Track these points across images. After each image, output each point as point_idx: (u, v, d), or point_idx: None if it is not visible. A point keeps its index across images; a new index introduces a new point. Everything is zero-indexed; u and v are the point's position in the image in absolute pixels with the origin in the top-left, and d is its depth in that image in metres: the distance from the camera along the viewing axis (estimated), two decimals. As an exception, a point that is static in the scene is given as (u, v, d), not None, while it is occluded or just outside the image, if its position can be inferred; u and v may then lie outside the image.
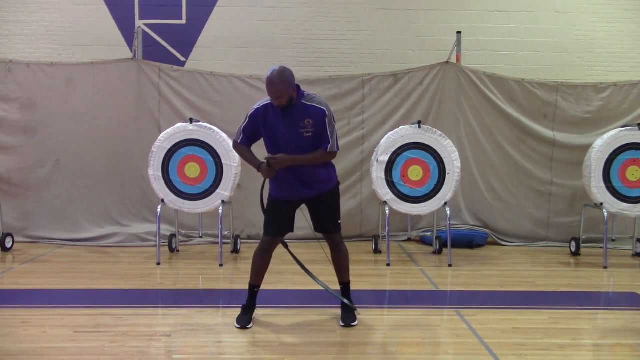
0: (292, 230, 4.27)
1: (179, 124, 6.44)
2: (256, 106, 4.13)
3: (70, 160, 7.17)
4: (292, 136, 4.01)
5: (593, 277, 5.98)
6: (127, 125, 7.24)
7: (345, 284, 4.42)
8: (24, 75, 7.10)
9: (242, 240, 7.03)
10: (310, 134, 4.01)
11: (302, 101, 4.01)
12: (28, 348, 3.78)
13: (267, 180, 4.21)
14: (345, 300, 4.34)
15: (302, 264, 4.55)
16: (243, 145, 4.21)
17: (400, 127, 6.62)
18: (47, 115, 7.13)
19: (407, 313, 4.74)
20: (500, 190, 7.46)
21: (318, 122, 4.02)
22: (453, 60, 7.40)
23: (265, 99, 4.10)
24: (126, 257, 6.51)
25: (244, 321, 4.20)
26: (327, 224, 4.28)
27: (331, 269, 4.44)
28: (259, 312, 4.44)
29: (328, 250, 4.38)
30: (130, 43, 8.24)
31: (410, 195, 6.45)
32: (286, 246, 4.51)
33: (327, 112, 4.03)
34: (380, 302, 5.12)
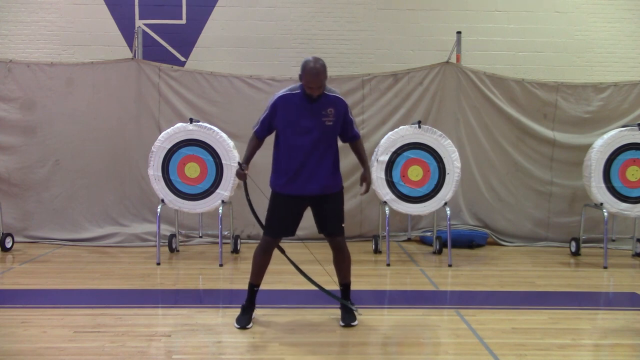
0: (293, 234, 4.25)
1: (179, 124, 6.44)
2: (278, 94, 4.20)
3: (70, 160, 7.16)
4: (315, 123, 4.11)
5: (593, 277, 5.98)
6: (127, 125, 7.24)
7: (345, 285, 4.41)
8: (24, 75, 7.10)
9: (242, 240, 7.03)
10: (332, 122, 4.15)
11: (324, 92, 4.14)
12: (28, 348, 3.78)
13: (247, 184, 4.33)
14: (346, 302, 4.32)
15: (299, 267, 4.51)
16: (257, 136, 4.27)
17: (400, 127, 6.62)
18: (47, 115, 7.13)
19: (407, 313, 4.74)
20: (500, 190, 7.46)
21: (340, 113, 4.16)
22: (453, 60, 7.40)
23: (285, 90, 4.19)
24: (126, 257, 6.51)
25: (244, 321, 4.20)
26: (332, 226, 4.26)
27: (328, 268, 4.43)
28: (258, 312, 4.44)
29: (316, 251, 4.36)
30: (130, 43, 8.24)
31: (410, 195, 6.44)
32: (283, 251, 4.43)
33: (347, 104, 4.26)
34: (380, 302, 5.12)
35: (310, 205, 4.27)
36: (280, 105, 4.14)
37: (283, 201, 4.20)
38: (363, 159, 4.45)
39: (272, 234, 4.22)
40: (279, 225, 4.22)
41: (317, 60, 4.02)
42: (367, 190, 4.49)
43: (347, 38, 8.57)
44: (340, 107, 4.17)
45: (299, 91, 4.11)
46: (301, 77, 4.04)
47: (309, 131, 4.11)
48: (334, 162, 4.24)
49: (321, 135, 4.13)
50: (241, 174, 4.19)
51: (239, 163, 4.25)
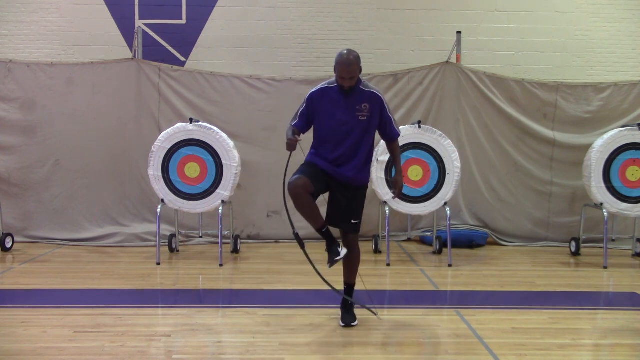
0: (316, 190, 4.06)
1: (179, 124, 6.44)
2: (313, 89, 4.25)
3: (70, 160, 7.16)
4: (348, 118, 4.14)
5: (593, 277, 5.98)
6: (127, 125, 7.24)
7: (350, 285, 4.40)
8: (24, 75, 7.10)
9: (242, 240, 7.03)
10: (365, 117, 4.17)
11: (361, 87, 4.18)
12: (28, 348, 3.78)
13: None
14: (368, 306, 4.30)
15: (315, 266, 4.44)
16: (297, 129, 4.20)
17: (400, 127, 6.60)
18: (47, 115, 7.13)
19: (407, 313, 4.74)
20: (500, 190, 7.46)
21: (375, 109, 4.17)
22: (453, 60, 7.40)
23: (322, 84, 4.23)
24: (126, 257, 6.51)
25: (334, 252, 4.08)
26: (345, 218, 4.24)
27: (329, 269, 4.42)
28: (258, 312, 4.43)
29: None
30: (130, 43, 8.24)
31: (410, 195, 6.44)
32: (302, 246, 4.25)
33: (384, 99, 4.23)
34: (380, 302, 5.11)
35: (331, 191, 4.25)
36: (316, 98, 4.19)
37: (315, 165, 4.18)
38: (395, 161, 4.45)
39: (299, 172, 4.05)
40: (308, 171, 4.09)
41: (350, 52, 4.07)
42: (398, 195, 4.44)
43: (347, 38, 8.56)
44: (376, 103, 4.17)
45: (335, 85, 4.16)
46: (335, 68, 4.07)
47: (343, 124, 4.14)
48: (365, 157, 4.23)
49: (354, 129, 4.15)
50: (292, 141, 4.03)
51: (292, 130, 4.11)
